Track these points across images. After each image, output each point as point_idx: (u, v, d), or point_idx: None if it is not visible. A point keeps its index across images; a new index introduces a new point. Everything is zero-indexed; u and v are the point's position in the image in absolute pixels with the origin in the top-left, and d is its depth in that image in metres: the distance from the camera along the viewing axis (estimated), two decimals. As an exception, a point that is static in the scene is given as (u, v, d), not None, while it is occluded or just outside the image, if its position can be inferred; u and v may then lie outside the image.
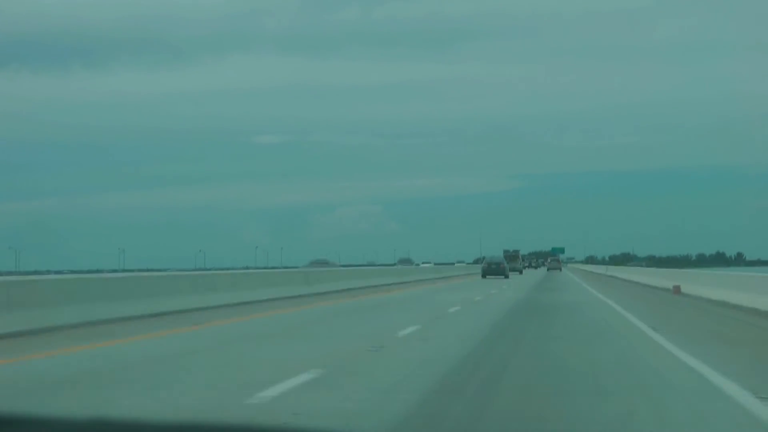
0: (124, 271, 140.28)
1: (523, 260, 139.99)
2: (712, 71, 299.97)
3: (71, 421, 3.33)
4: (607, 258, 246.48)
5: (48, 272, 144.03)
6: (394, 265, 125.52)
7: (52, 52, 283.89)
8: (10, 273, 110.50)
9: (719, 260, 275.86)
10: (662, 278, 53.96)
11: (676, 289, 43.20)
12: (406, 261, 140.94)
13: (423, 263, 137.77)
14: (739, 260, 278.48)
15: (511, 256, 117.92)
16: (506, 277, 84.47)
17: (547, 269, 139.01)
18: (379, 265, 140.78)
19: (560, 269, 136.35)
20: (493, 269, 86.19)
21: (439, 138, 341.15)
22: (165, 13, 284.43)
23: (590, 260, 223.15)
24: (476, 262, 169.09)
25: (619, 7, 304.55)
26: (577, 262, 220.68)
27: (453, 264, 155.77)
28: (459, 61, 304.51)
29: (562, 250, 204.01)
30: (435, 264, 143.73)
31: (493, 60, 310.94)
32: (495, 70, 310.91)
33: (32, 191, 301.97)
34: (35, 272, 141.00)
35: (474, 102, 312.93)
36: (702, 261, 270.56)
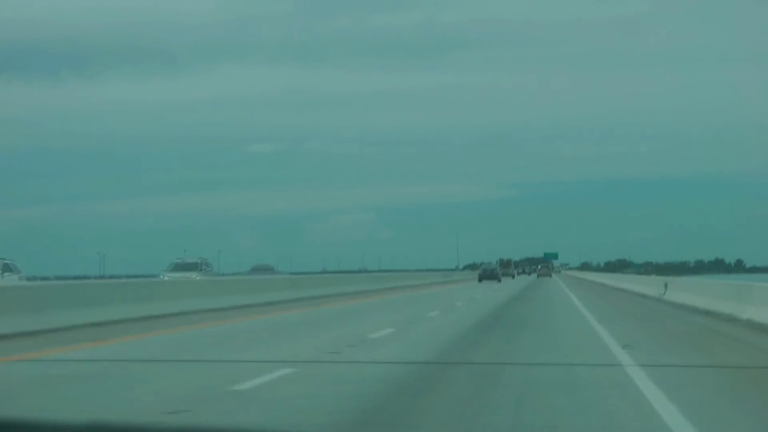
0: (111, 277, 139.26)
1: (515, 267, 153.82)
2: (707, 79, 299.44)
3: (68, 425, 3.29)
4: (602, 264, 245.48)
5: (35, 278, 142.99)
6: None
7: (45, 60, 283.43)
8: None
9: (718, 267, 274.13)
10: None
11: None
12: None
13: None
14: (738, 267, 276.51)
15: (505, 264, 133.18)
16: (499, 281, 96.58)
17: (537, 275, 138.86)
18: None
19: (550, 275, 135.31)
20: (488, 274, 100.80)
21: (433, 146, 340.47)
22: (158, 21, 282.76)
23: (585, 266, 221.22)
24: (466, 268, 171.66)
25: (613, 15, 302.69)
26: (572, 268, 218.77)
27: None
28: (452, 69, 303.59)
29: (555, 256, 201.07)
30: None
31: (486, 68, 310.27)
32: (488, 79, 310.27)
33: (25, 198, 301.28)
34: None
35: (467, 110, 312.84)
36: (701, 268, 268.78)
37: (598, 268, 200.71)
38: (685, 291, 37.72)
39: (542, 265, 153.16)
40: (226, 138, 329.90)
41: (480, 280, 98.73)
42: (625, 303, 41.05)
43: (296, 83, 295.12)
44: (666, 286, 42.42)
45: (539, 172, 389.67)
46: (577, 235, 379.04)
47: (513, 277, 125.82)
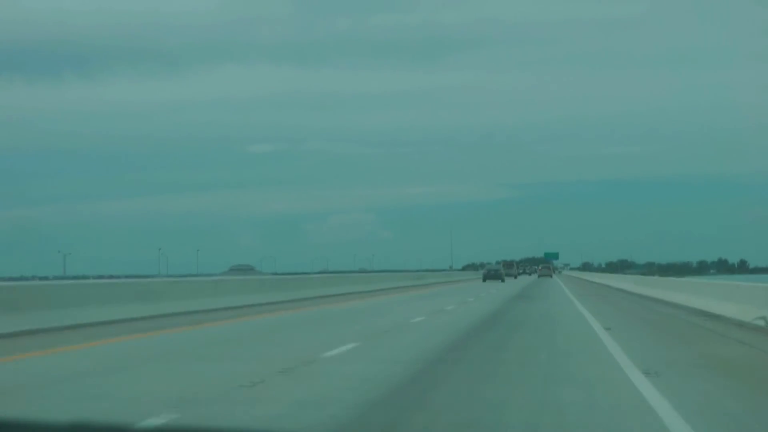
0: (110, 277, 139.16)
1: (517, 267, 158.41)
2: (708, 80, 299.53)
3: (51, 425, 3.23)
4: (603, 265, 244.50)
5: (34, 278, 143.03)
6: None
7: (46, 60, 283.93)
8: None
9: (721, 267, 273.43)
10: None
11: None
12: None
13: None
14: (742, 268, 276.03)
15: (508, 265, 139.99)
16: (502, 281, 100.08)
17: (538, 276, 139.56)
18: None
19: (551, 276, 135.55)
20: (492, 275, 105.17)
21: (433, 146, 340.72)
22: (159, 22, 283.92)
23: (586, 267, 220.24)
24: (464, 269, 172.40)
25: (612, 16, 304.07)
26: (573, 268, 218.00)
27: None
28: (452, 70, 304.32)
29: (555, 256, 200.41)
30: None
31: (486, 69, 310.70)
32: (488, 79, 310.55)
33: (23, 198, 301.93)
34: (21, 278, 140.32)
35: (467, 111, 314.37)
36: (704, 268, 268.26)
37: (599, 269, 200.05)
38: None
39: (543, 265, 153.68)
40: (226, 138, 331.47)
41: (484, 279, 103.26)
42: (726, 352, 17.33)
43: (296, 84, 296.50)
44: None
45: (539, 173, 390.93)
46: (577, 236, 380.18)
47: (515, 277, 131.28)
